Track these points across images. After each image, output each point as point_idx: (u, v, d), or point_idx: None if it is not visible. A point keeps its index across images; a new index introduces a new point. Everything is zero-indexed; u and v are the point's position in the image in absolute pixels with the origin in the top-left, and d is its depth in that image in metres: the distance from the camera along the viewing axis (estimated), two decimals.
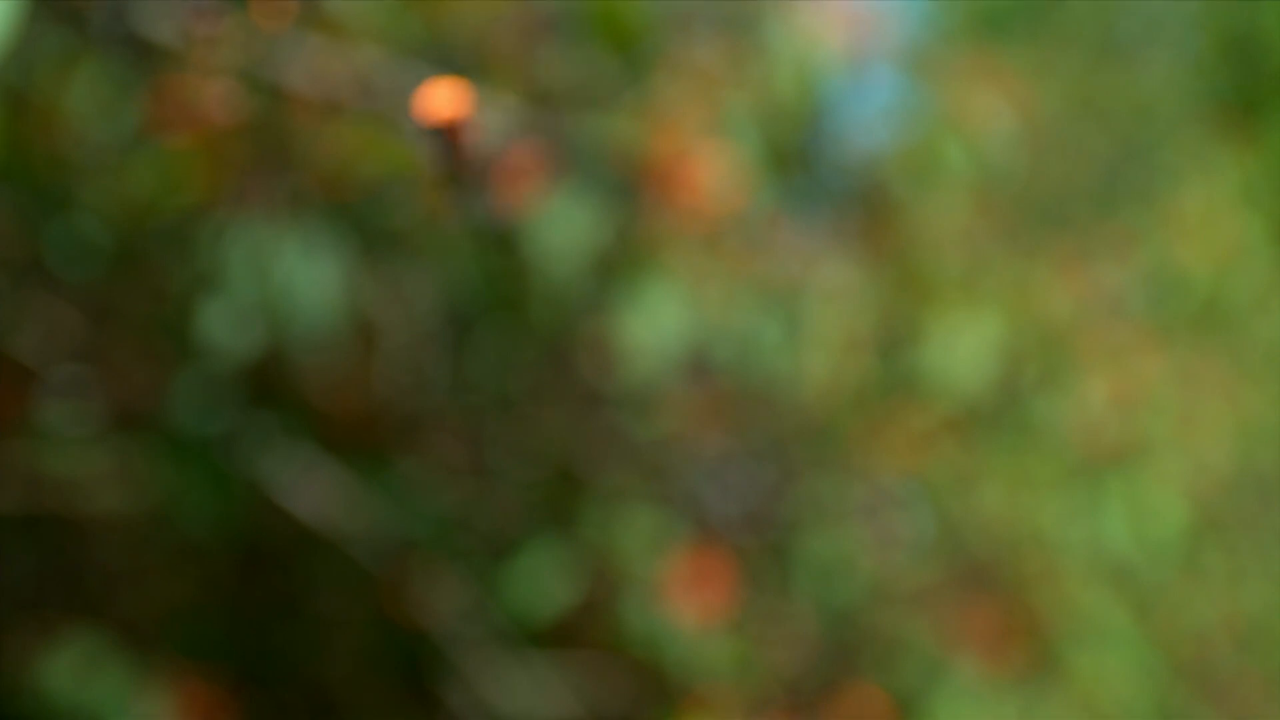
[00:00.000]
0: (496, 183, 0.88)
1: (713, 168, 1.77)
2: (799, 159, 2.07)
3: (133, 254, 1.74)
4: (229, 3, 1.53)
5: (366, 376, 1.89)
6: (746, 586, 1.93)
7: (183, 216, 1.67)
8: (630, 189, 1.78)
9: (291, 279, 1.64)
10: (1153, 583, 2.31)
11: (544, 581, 1.89)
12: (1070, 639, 2.20)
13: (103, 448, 1.80)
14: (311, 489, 1.82)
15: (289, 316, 1.64)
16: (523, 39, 1.78)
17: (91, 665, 1.81)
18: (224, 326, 1.67)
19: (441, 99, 0.83)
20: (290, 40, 1.59)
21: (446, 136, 0.84)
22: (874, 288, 2.06)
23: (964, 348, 2.00)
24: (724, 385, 1.99)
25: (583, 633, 1.96)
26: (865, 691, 2.03)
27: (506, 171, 1.65)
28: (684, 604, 1.88)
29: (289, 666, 1.97)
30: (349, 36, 1.64)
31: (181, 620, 1.92)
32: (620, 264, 1.77)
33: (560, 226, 1.69)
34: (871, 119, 2.25)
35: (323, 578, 1.94)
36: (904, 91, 2.31)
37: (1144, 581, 2.29)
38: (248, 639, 1.94)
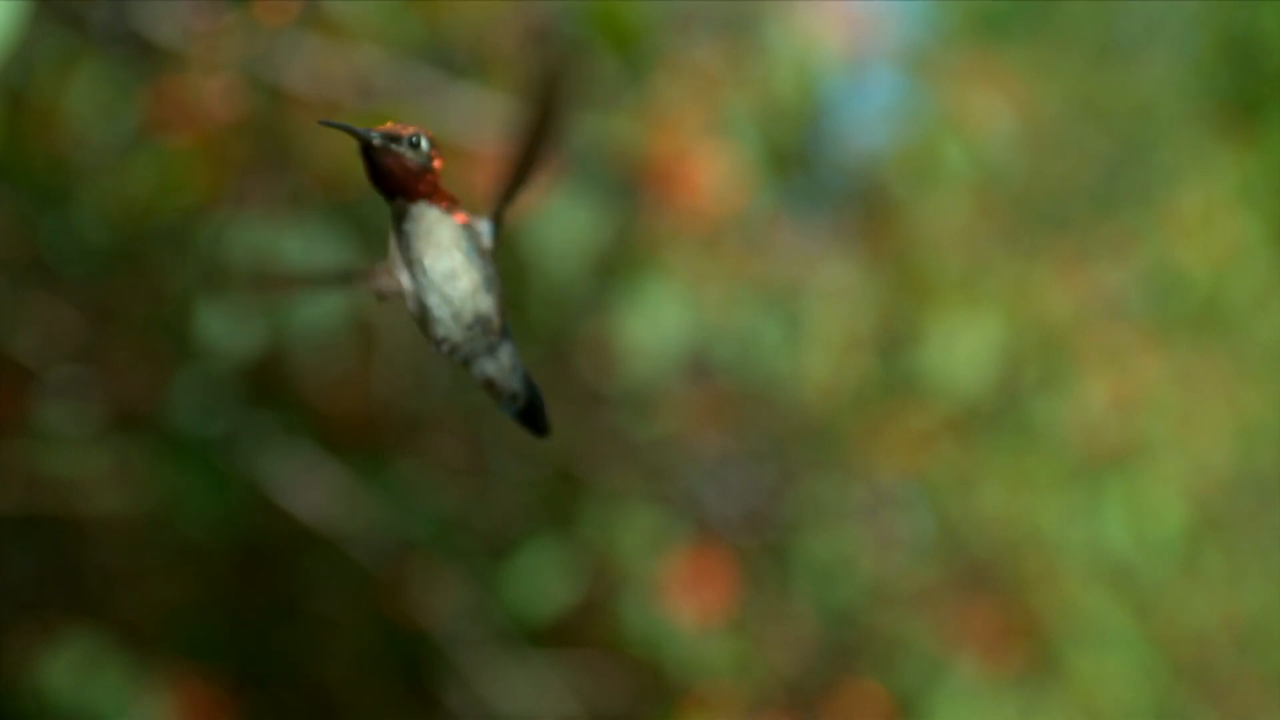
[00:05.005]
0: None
1: (713, 168, 1.77)
2: (799, 159, 2.07)
3: (133, 254, 1.74)
4: (230, 1, 1.53)
5: (366, 376, 1.89)
6: (746, 586, 1.93)
7: (183, 216, 1.67)
8: (630, 189, 1.78)
9: (294, 275, 1.63)
10: (1153, 583, 2.30)
11: (544, 581, 1.89)
12: (1070, 639, 2.20)
13: (103, 448, 1.80)
14: (311, 489, 1.82)
15: (289, 316, 1.64)
16: (523, 39, 1.78)
17: (91, 665, 1.81)
18: (224, 326, 1.67)
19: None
20: (290, 40, 1.59)
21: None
22: (874, 288, 2.06)
23: (964, 348, 2.00)
24: (724, 385, 1.99)
25: (583, 633, 1.96)
26: (865, 691, 2.03)
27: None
28: (684, 604, 1.88)
29: (289, 667, 1.97)
30: (349, 36, 1.64)
31: (181, 620, 1.92)
32: (620, 264, 1.77)
33: (560, 226, 1.69)
34: (871, 119, 2.25)
35: (323, 578, 1.94)
36: (904, 91, 2.31)
37: (1144, 581, 2.29)
38: (248, 639, 1.94)
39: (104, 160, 1.66)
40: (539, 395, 0.80)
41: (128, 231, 1.69)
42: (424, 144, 0.75)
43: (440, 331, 0.77)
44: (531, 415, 0.81)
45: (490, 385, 0.79)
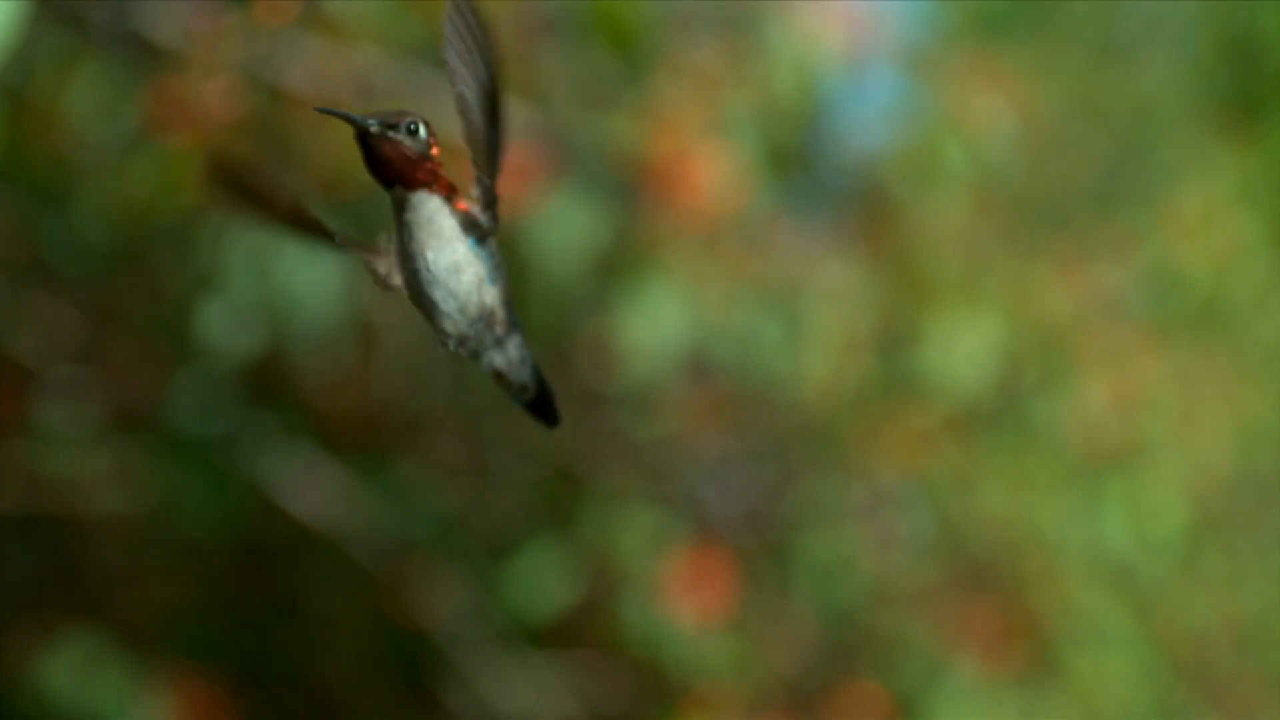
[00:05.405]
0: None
1: (713, 168, 1.77)
2: (799, 159, 2.07)
3: (133, 254, 1.74)
4: (230, 2, 1.53)
5: (366, 376, 1.89)
6: (746, 586, 1.93)
7: (183, 216, 1.67)
8: (630, 189, 1.78)
9: (291, 279, 1.64)
10: (1153, 583, 2.30)
11: (544, 581, 1.89)
12: (1070, 639, 2.19)
13: (103, 448, 1.80)
14: (311, 489, 1.82)
15: (289, 316, 1.64)
16: (523, 39, 1.78)
17: (91, 665, 1.81)
18: (224, 326, 1.67)
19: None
20: (290, 40, 1.59)
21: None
22: (874, 288, 2.05)
23: (964, 348, 2.00)
24: (724, 385, 1.99)
25: (583, 633, 1.96)
26: (865, 691, 2.03)
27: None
28: (684, 604, 1.87)
29: (289, 667, 1.97)
30: (349, 36, 1.64)
31: (181, 620, 1.92)
32: (620, 264, 1.77)
33: (560, 226, 1.69)
34: (871, 119, 2.25)
35: (323, 578, 1.94)
36: (904, 91, 2.30)
37: (1144, 581, 2.29)
38: (248, 639, 1.94)
39: (104, 160, 1.66)
40: (548, 386, 0.80)
41: (128, 231, 1.69)
42: (422, 131, 0.74)
43: (447, 326, 0.76)
44: (541, 406, 0.80)
45: (499, 377, 0.78)
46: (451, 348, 0.76)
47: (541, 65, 1.80)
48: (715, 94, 1.82)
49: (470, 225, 0.75)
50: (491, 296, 0.75)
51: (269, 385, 1.83)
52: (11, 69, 1.50)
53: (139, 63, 1.61)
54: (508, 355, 0.78)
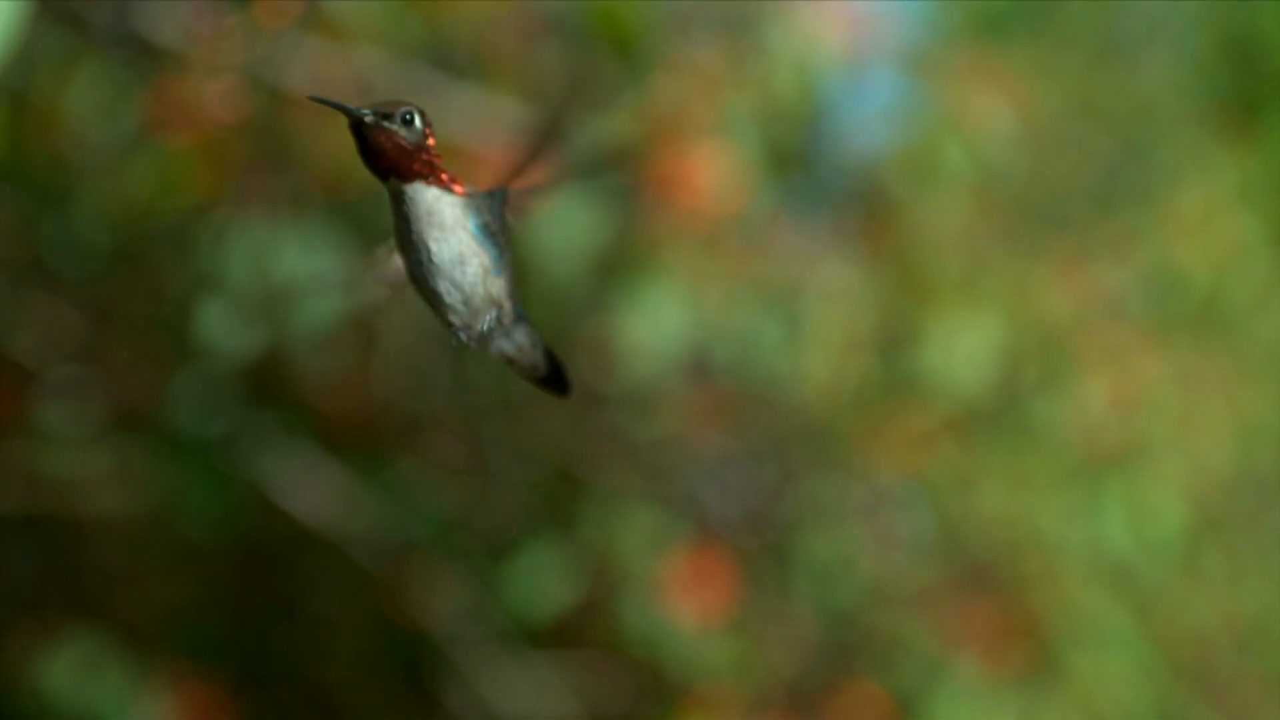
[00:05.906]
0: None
1: (713, 168, 1.77)
2: (799, 159, 2.07)
3: (133, 254, 1.74)
4: (231, 2, 1.53)
5: (366, 376, 1.89)
6: (746, 586, 1.93)
7: (183, 216, 1.67)
8: (630, 189, 1.78)
9: (291, 279, 1.64)
10: (1153, 583, 2.30)
11: (544, 581, 1.89)
12: (1070, 639, 2.19)
13: (103, 448, 1.80)
14: (311, 489, 1.82)
15: (289, 316, 1.64)
16: (523, 39, 1.78)
17: (91, 665, 1.81)
18: (224, 326, 1.67)
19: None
20: (291, 41, 1.59)
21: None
22: (874, 288, 2.05)
23: (964, 348, 2.00)
24: (724, 385, 1.99)
25: (583, 633, 1.96)
26: (865, 691, 2.03)
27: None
28: (684, 604, 1.87)
29: (289, 667, 1.97)
30: (349, 38, 1.64)
31: (181, 620, 1.92)
32: (620, 264, 1.77)
33: (560, 226, 1.69)
34: (871, 119, 2.25)
35: (323, 578, 1.94)
36: (904, 91, 2.30)
37: (1144, 581, 2.29)
38: (248, 639, 1.94)
39: (104, 160, 1.66)
40: (559, 360, 0.80)
41: (128, 231, 1.69)
42: (417, 121, 0.73)
43: (452, 318, 0.75)
44: (553, 382, 0.80)
45: (510, 363, 0.78)
46: (461, 338, 0.76)
47: (541, 65, 1.80)
48: (715, 94, 1.82)
49: (474, 212, 0.74)
50: (497, 288, 0.75)
51: (269, 385, 1.83)
52: (11, 69, 1.50)
53: (139, 63, 1.61)
54: (516, 342, 0.77)
